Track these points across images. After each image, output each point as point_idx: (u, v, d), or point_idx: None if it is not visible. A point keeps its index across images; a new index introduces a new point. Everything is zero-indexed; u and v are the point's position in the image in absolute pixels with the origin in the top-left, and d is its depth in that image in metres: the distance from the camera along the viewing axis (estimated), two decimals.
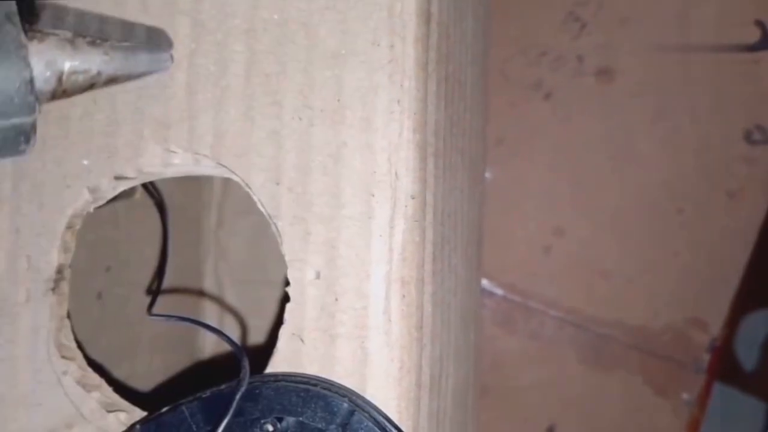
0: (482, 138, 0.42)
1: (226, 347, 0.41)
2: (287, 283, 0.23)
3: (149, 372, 0.37)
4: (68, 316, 0.26)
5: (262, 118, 0.24)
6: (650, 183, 0.48)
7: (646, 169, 0.48)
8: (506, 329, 0.49)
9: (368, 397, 0.22)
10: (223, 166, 0.24)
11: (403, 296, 0.23)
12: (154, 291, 0.36)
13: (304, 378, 0.22)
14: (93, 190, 0.25)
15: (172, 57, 0.24)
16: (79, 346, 0.26)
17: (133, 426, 0.23)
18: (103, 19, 0.24)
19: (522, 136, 0.49)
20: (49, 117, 0.25)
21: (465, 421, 0.35)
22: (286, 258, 0.23)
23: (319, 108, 0.23)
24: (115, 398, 0.25)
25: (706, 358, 0.47)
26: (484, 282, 0.49)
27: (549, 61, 0.49)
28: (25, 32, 0.19)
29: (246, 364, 0.22)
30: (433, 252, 0.25)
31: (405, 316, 0.23)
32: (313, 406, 0.22)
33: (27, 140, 0.20)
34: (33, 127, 0.19)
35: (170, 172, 0.25)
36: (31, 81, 0.19)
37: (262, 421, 0.22)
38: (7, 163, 0.26)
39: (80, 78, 0.20)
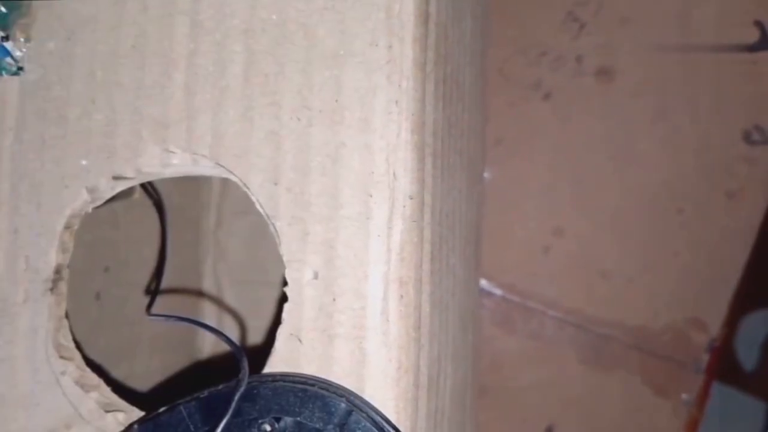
0: (481, 138, 0.42)
1: (224, 347, 0.41)
2: (285, 284, 0.23)
3: (148, 372, 0.37)
4: (67, 316, 0.26)
5: (261, 119, 0.24)
6: (650, 183, 0.48)
7: (646, 169, 0.48)
8: (505, 329, 0.49)
9: (366, 398, 0.22)
10: (222, 166, 0.24)
11: (401, 296, 0.23)
12: (153, 291, 0.36)
13: (301, 378, 0.22)
14: (91, 190, 0.25)
15: None
16: (78, 347, 0.26)
17: (131, 426, 0.23)
18: None
19: (521, 136, 0.49)
20: (48, 117, 0.25)
21: (463, 421, 0.35)
22: (285, 258, 0.23)
23: (318, 108, 0.23)
24: (114, 398, 0.25)
25: (705, 358, 0.47)
26: (483, 282, 0.49)
27: (548, 61, 0.49)
28: None
29: (245, 364, 0.22)
30: (432, 252, 0.25)
31: (403, 316, 0.23)
32: (310, 406, 0.22)
33: None
34: None
35: (169, 173, 0.25)
36: None
37: (260, 421, 0.22)
38: (6, 163, 0.26)
39: None
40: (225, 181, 0.42)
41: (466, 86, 0.33)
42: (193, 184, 0.43)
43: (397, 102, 0.23)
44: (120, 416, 0.25)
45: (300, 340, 0.23)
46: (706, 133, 0.47)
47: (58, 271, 0.25)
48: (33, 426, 0.25)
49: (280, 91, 0.24)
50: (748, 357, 0.47)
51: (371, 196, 0.23)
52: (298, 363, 0.23)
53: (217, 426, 0.21)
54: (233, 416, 0.22)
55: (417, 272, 0.23)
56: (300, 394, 0.22)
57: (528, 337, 0.49)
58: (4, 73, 0.26)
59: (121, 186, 0.26)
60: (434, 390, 0.26)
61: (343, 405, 0.22)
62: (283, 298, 0.23)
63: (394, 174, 0.23)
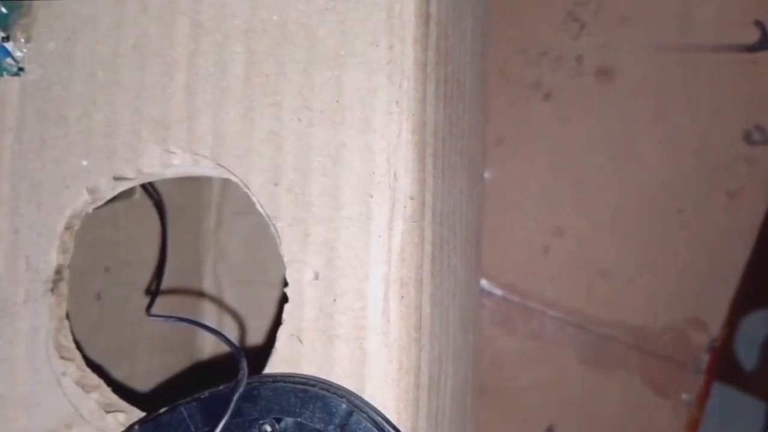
0: (481, 138, 0.42)
1: (224, 348, 0.41)
2: (286, 284, 0.23)
3: (148, 372, 0.37)
4: (67, 316, 0.26)
5: (262, 119, 0.24)
6: (650, 183, 0.48)
7: (646, 169, 0.48)
8: (505, 329, 0.49)
9: (367, 398, 0.22)
10: (223, 166, 0.24)
11: (402, 297, 0.23)
12: (153, 291, 0.36)
13: (302, 379, 0.22)
14: (92, 191, 0.25)
15: None
16: (78, 347, 0.26)
17: (131, 426, 0.23)
18: None
19: (522, 136, 0.49)
20: (48, 117, 0.25)
21: (464, 421, 0.35)
22: (285, 259, 0.23)
23: (319, 109, 0.23)
24: (114, 399, 0.25)
25: (705, 358, 0.47)
26: (484, 282, 0.49)
27: (549, 61, 0.49)
28: None
29: (244, 364, 0.22)
30: (432, 252, 0.25)
31: (404, 316, 0.23)
32: (311, 406, 0.22)
33: None
34: None
35: (169, 173, 0.25)
36: None
37: (261, 422, 0.22)
38: (7, 164, 0.26)
39: None
40: (225, 182, 0.42)
41: (466, 86, 0.33)
42: (193, 184, 0.43)
43: (397, 102, 0.23)
44: (120, 417, 0.25)
45: (300, 341, 0.23)
46: (706, 133, 0.47)
47: (58, 271, 0.25)
48: (33, 426, 0.25)
49: (280, 91, 0.24)
50: (748, 357, 0.47)
51: (372, 196, 0.23)
52: (298, 363, 0.23)
53: (217, 426, 0.21)
54: (234, 417, 0.22)
55: (418, 273, 0.23)
56: (301, 394, 0.22)
57: (528, 337, 0.49)
58: (4, 73, 0.26)
59: (122, 186, 0.25)
60: (435, 390, 0.26)
61: (343, 405, 0.22)
62: (284, 299, 0.23)
63: (394, 174, 0.23)
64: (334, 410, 0.22)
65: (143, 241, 0.37)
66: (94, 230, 0.33)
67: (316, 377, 0.23)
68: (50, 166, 0.25)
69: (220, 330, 0.25)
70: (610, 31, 0.48)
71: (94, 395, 0.25)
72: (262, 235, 0.43)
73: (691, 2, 0.48)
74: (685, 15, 0.48)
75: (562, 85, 0.49)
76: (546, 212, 0.49)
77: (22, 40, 0.26)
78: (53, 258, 0.25)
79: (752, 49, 0.47)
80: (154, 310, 0.30)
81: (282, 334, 0.23)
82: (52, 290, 0.25)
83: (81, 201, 0.25)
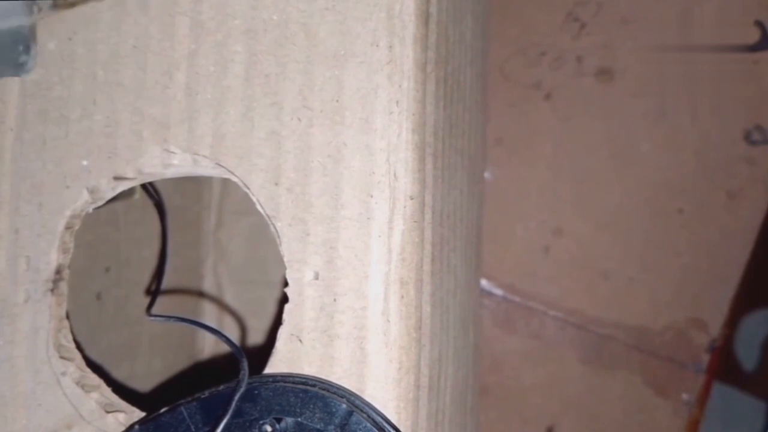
0: (482, 138, 0.42)
1: (225, 348, 0.41)
2: (286, 284, 0.23)
3: (148, 372, 0.37)
4: (67, 316, 0.26)
5: (262, 119, 0.24)
6: (650, 183, 0.48)
7: (646, 169, 0.48)
8: (506, 329, 0.49)
9: (367, 398, 0.22)
10: (223, 166, 0.24)
11: (402, 297, 0.23)
12: (154, 292, 0.36)
13: (302, 378, 0.22)
14: (92, 191, 0.25)
15: None
16: (79, 347, 0.26)
17: (132, 426, 0.23)
18: None
19: (522, 136, 0.49)
20: (49, 117, 0.25)
21: (464, 421, 0.35)
22: (285, 259, 0.23)
23: (319, 109, 0.23)
24: (114, 399, 0.25)
25: (706, 358, 0.47)
26: (484, 282, 0.49)
27: (549, 61, 0.49)
28: None
29: (245, 364, 0.22)
30: (432, 252, 0.25)
31: (404, 316, 0.23)
32: (311, 406, 0.22)
33: (27, 49, 0.17)
34: (32, 31, 0.17)
35: (170, 173, 0.25)
36: None
37: (261, 422, 0.22)
38: (7, 164, 0.26)
39: None
40: (225, 182, 0.42)
41: (467, 86, 0.33)
42: (193, 184, 0.43)
43: (397, 102, 0.23)
44: (121, 417, 0.25)
45: (301, 341, 0.23)
46: (706, 133, 0.47)
47: (58, 271, 0.25)
48: (34, 426, 0.25)
49: (281, 91, 0.24)
50: (748, 357, 0.47)
51: (372, 196, 0.23)
52: (298, 363, 0.23)
53: (217, 426, 0.21)
54: (234, 417, 0.22)
55: (418, 272, 0.23)
56: (301, 394, 0.22)
57: (529, 337, 0.49)
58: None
59: (122, 186, 0.26)
60: (435, 390, 0.26)
61: (343, 405, 0.22)
62: (284, 299, 0.23)
63: (394, 174, 0.23)
64: (334, 410, 0.22)
65: (143, 241, 0.37)
66: (94, 230, 0.33)
67: (317, 377, 0.23)
68: (51, 166, 0.25)
69: (220, 330, 0.25)
70: (611, 31, 0.48)
71: (95, 395, 0.25)
72: (262, 235, 0.43)
73: (692, 2, 0.48)
74: (686, 15, 0.48)
75: (563, 85, 0.49)
76: (546, 212, 0.49)
77: None
78: (53, 258, 0.25)
79: (753, 48, 0.47)
80: (155, 310, 0.30)
81: (282, 333, 0.23)
82: (52, 290, 0.25)
83: (81, 201, 0.25)
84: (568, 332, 0.49)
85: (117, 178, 0.25)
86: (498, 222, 0.49)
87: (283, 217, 0.23)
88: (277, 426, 0.22)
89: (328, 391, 0.22)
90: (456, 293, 0.30)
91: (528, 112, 0.49)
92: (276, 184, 0.23)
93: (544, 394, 0.49)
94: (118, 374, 0.33)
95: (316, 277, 0.23)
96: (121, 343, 0.35)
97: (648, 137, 0.48)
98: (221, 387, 0.22)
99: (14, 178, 0.25)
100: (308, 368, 0.23)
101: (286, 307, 0.23)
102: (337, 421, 0.22)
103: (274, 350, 0.23)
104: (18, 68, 0.18)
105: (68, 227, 0.25)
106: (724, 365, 0.47)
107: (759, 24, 0.47)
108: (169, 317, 0.28)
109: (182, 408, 0.22)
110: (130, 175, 0.25)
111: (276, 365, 0.23)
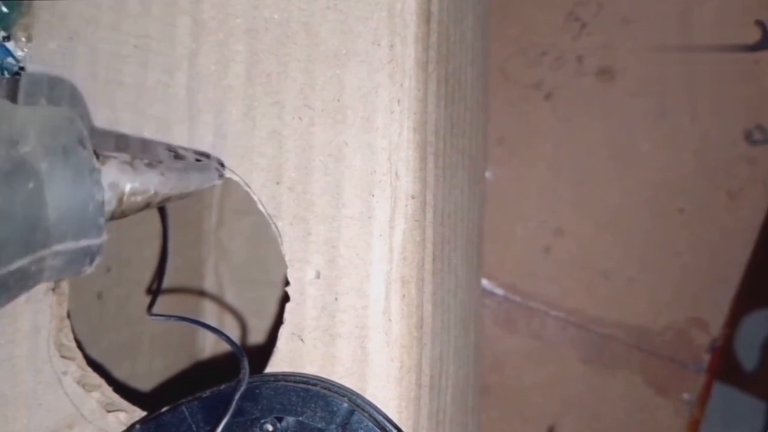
0: (483, 137, 0.42)
1: (226, 347, 0.41)
2: (287, 283, 0.23)
3: (149, 372, 0.37)
4: (68, 316, 0.26)
5: (263, 118, 0.24)
6: (651, 183, 0.48)
7: (646, 169, 0.48)
8: (507, 329, 0.49)
9: (368, 397, 0.22)
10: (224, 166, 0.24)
11: (403, 296, 0.23)
12: (155, 291, 0.36)
13: (303, 378, 0.22)
14: None
15: (221, 174, 0.23)
16: (80, 346, 0.26)
17: (133, 426, 0.23)
18: (145, 143, 0.24)
19: (522, 136, 0.49)
20: None
21: (465, 421, 0.35)
22: (287, 258, 0.23)
23: (320, 108, 0.23)
24: (115, 398, 0.25)
25: (706, 358, 0.47)
26: (485, 282, 0.49)
27: (549, 60, 0.49)
28: (97, 156, 0.19)
29: (246, 364, 0.22)
30: (433, 252, 0.25)
31: (405, 315, 0.23)
32: (312, 405, 0.22)
33: (91, 261, 0.19)
34: (100, 248, 0.19)
35: None
36: (103, 203, 0.19)
37: (262, 421, 0.22)
38: None
39: (138, 198, 0.20)
40: (227, 181, 0.42)
41: (468, 85, 0.33)
42: None
43: (399, 101, 0.23)
44: (122, 416, 0.24)
45: (302, 340, 0.23)
46: (706, 133, 0.47)
47: None
48: (35, 426, 0.25)
49: (282, 90, 0.24)
50: (748, 357, 0.47)
51: (373, 195, 0.23)
52: (300, 362, 0.23)
53: (218, 425, 0.21)
54: (235, 416, 0.22)
55: (419, 272, 0.23)
56: (302, 393, 0.22)
57: (530, 336, 0.49)
58: (5, 73, 0.26)
59: None
60: (436, 389, 0.26)
61: (345, 405, 0.22)
62: (285, 298, 0.23)
63: (396, 173, 0.23)
64: (335, 409, 0.22)
65: (144, 240, 0.37)
66: None
67: (318, 376, 0.23)
68: None
69: (221, 329, 0.25)
70: (611, 31, 0.48)
71: (96, 394, 0.25)
72: (263, 235, 0.43)
73: (692, 2, 0.48)
74: (686, 15, 0.48)
75: (563, 85, 0.49)
76: (546, 212, 0.49)
77: (23, 39, 0.26)
78: None
79: (753, 48, 0.47)
80: (156, 309, 0.30)
81: (283, 333, 0.23)
82: (53, 290, 0.25)
83: None
84: (568, 332, 0.49)
85: None
86: (499, 222, 0.49)
87: (284, 216, 0.23)
88: (279, 425, 0.22)
89: (329, 390, 0.22)
90: (457, 293, 0.30)
91: (528, 112, 0.49)
92: (277, 183, 0.23)
93: (545, 394, 0.49)
94: (119, 373, 0.33)
95: (318, 276, 0.23)
96: (122, 342, 0.35)
97: (648, 137, 0.48)
98: (222, 386, 0.22)
99: None
100: (309, 367, 0.23)
101: (288, 306, 0.23)
102: (338, 420, 0.22)
103: (276, 349, 0.23)
104: (77, 274, 0.20)
105: None
106: (724, 365, 0.47)
107: (759, 24, 0.47)
108: (170, 316, 0.28)
109: (183, 407, 0.22)
110: None
111: (277, 364, 0.23)
